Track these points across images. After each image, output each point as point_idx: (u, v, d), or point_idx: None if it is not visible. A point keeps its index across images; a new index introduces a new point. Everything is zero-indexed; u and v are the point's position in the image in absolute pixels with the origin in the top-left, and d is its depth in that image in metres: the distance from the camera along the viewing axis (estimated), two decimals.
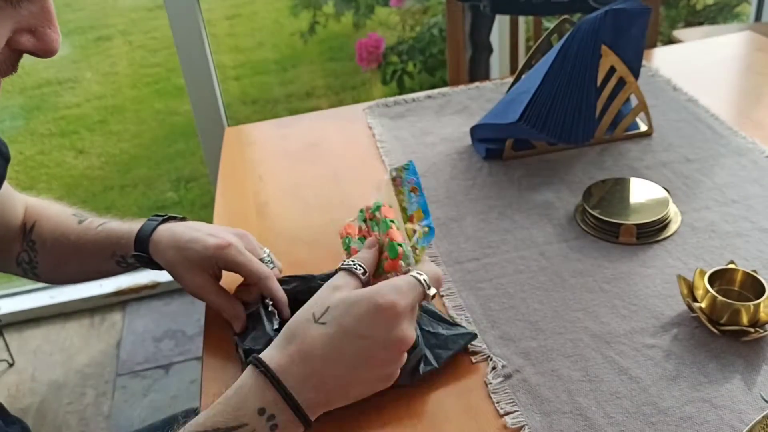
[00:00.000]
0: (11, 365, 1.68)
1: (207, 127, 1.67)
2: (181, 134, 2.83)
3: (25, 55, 0.44)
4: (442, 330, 0.64)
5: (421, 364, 0.61)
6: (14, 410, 1.55)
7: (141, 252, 0.67)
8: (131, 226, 0.70)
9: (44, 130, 2.98)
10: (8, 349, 1.70)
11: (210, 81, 1.62)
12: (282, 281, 0.68)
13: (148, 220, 0.70)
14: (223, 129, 1.13)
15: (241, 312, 0.65)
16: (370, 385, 0.51)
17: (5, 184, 0.70)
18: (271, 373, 0.46)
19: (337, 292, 0.50)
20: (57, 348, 1.72)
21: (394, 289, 0.49)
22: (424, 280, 0.51)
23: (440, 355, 0.63)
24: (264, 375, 0.46)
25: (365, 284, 0.53)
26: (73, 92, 3.25)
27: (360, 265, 0.53)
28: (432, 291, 0.52)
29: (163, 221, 0.69)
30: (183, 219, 0.72)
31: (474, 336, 0.65)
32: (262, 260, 0.67)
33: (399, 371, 0.53)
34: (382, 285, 0.50)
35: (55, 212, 0.74)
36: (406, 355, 0.52)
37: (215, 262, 0.65)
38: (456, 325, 0.66)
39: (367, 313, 0.48)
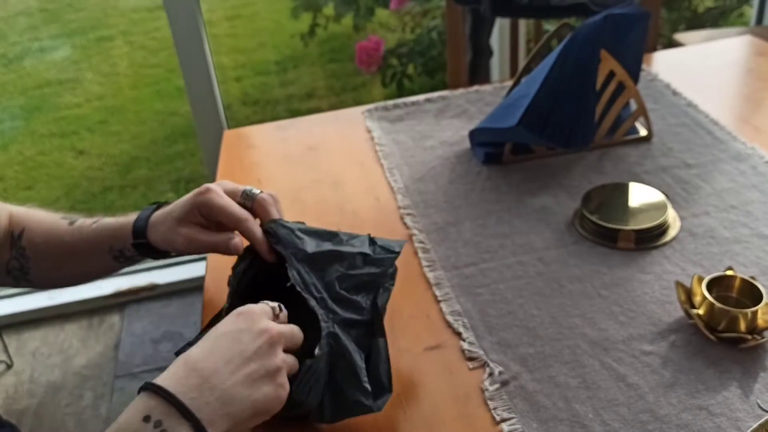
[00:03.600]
0: (9, 367, 1.68)
1: (206, 129, 1.67)
2: (181, 135, 2.83)
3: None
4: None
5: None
6: (12, 412, 1.55)
7: (140, 239, 0.68)
8: (127, 219, 0.71)
9: (44, 130, 2.98)
10: (6, 351, 1.70)
11: (209, 82, 1.62)
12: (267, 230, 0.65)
13: (143, 210, 0.70)
14: (223, 131, 1.13)
15: (236, 238, 0.66)
16: (256, 386, 0.50)
17: None
18: (152, 384, 0.47)
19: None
20: (55, 350, 1.72)
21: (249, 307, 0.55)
22: (273, 306, 0.56)
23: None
24: (146, 389, 0.47)
25: None
26: (74, 93, 3.25)
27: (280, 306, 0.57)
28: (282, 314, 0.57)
29: (158, 207, 0.70)
30: None
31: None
32: (245, 193, 0.67)
33: (286, 383, 0.52)
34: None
35: (43, 217, 0.75)
36: (280, 354, 0.52)
37: (197, 209, 0.65)
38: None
39: (230, 318, 0.53)
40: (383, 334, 0.61)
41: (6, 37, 3.75)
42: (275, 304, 0.56)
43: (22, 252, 0.73)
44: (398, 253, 0.65)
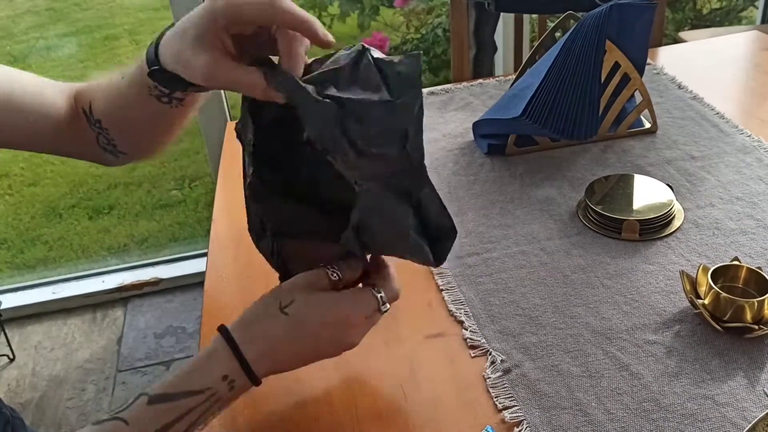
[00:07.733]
0: (12, 360, 1.68)
1: (211, 126, 1.67)
2: (186, 133, 2.82)
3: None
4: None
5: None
6: (14, 405, 1.55)
7: (154, 66, 0.54)
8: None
9: None
10: (9, 344, 1.70)
11: None
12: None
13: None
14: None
15: (260, 79, 0.50)
16: (315, 359, 0.57)
17: (29, 78, 0.64)
18: (236, 347, 0.53)
19: (307, 288, 0.55)
20: (58, 343, 1.72)
21: (352, 303, 0.55)
22: (381, 296, 0.56)
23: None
24: (230, 348, 0.53)
25: (334, 289, 0.57)
26: None
27: (337, 274, 0.57)
28: (385, 308, 0.57)
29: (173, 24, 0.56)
30: None
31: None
32: None
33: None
34: (344, 296, 0.56)
35: (106, 82, 0.63)
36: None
37: (219, 21, 0.50)
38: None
39: (325, 319, 0.55)
40: (427, 183, 0.53)
41: (13, 35, 3.76)
42: (384, 303, 0.56)
43: (99, 124, 0.64)
44: (419, 85, 0.51)
